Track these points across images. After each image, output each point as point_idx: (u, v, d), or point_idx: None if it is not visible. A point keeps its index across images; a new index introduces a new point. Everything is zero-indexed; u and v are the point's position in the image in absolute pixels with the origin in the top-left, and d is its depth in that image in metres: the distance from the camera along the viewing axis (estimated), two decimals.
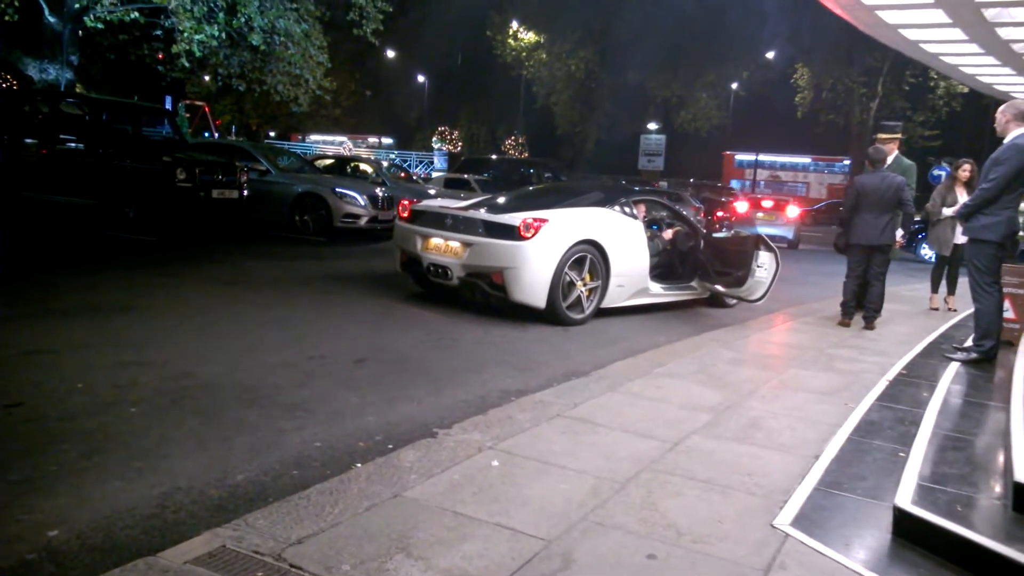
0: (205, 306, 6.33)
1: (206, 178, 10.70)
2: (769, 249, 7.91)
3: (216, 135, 28.84)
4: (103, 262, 8.27)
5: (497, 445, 3.47)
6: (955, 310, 8.80)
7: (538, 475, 3.16)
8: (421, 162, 40.45)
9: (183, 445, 3.33)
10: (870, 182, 7.19)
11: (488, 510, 2.80)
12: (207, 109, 30.69)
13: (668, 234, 8.54)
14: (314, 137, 44.47)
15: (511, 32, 37.92)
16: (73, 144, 10.75)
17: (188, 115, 26.65)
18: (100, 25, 14.77)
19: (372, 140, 47.52)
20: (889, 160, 7.71)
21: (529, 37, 37.52)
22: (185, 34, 15.01)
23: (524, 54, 37.72)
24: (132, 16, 14.94)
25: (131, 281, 7.12)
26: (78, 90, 18.49)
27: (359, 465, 3.20)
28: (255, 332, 5.55)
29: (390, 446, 3.49)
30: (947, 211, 8.26)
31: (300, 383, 4.38)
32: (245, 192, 11.40)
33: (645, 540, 2.67)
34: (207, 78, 27.92)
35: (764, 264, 7.87)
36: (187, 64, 16.24)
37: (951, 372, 5.39)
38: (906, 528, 2.81)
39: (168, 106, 25.35)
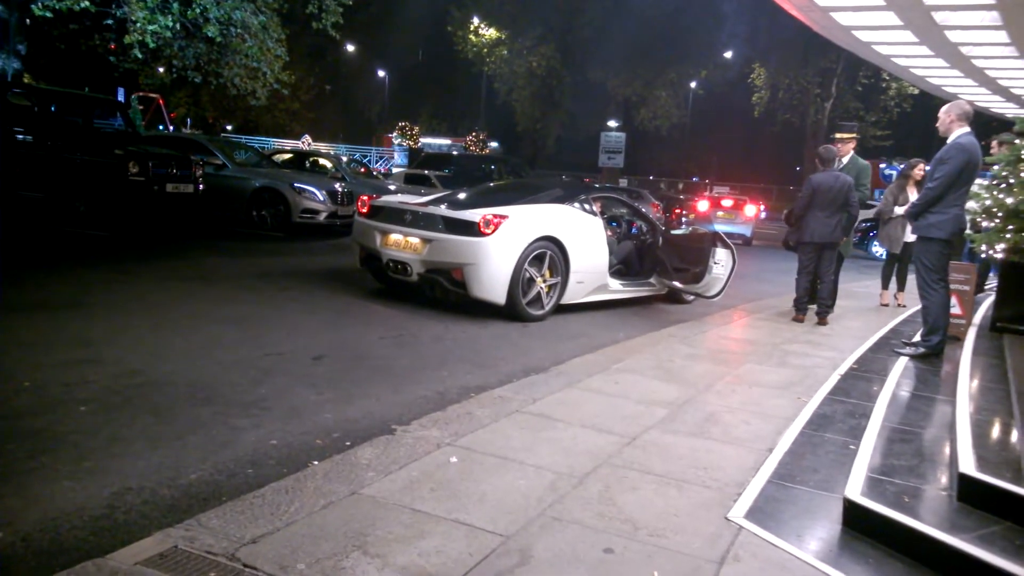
0: (159, 302, 6.21)
1: (160, 172, 10.47)
2: (726, 246, 8.03)
3: (171, 128, 28.23)
4: (52, 258, 8.05)
5: (456, 441, 3.46)
6: (904, 306, 9.03)
7: (497, 471, 3.17)
8: (381, 158, 40.13)
9: (134, 444, 3.26)
10: (824, 181, 7.33)
11: (446, 507, 2.80)
12: (161, 101, 30.01)
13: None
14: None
15: (472, 28, 37.78)
16: (21, 136, 10.43)
17: (142, 108, 26.02)
18: (48, 14, 14.36)
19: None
20: (845, 160, 7.88)
21: (490, 33, 37.42)
22: (138, 24, 14.66)
23: (485, 50, 37.60)
24: (82, 5, 14.55)
25: (82, 277, 6.95)
26: (26, 80, 17.99)
27: (316, 463, 3.17)
28: (211, 329, 5.46)
29: (348, 443, 3.46)
30: (899, 210, 8.46)
31: (257, 380, 4.32)
32: (200, 186, 11.18)
33: (602, 534, 2.69)
34: (161, 70, 27.35)
35: (721, 261, 7.98)
36: (140, 55, 15.86)
37: (900, 367, 5.53)
38: (856, 519, 2.88)
39: (121, 98, 24.78)
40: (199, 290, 6.89)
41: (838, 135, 8.36)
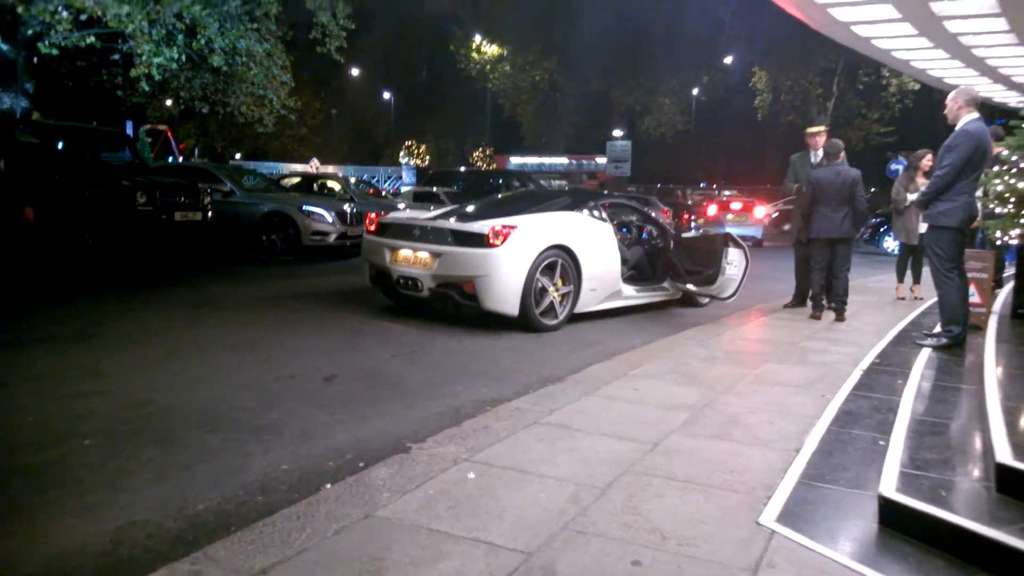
0: (169, 331, 6.16)
1: (168, 201, 10.49)
2: (738, 246, 7.91)
3: (179, 159, 28.44)
4: (61, 292, 8.03)
5: (473, 456, 3.36)
6: (921, 298, 8.87)
7: (516, 485, 3.07)
8: (389, 177, 40.27)
9: (141, 476, 3.18)
10: (824, 176, 7.25)
11: (465, 525, 2.69)
12: (169, 133, 30.30)
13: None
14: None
15: (474, 46, 37.96)
16: (30, 173, 10.46)
17: (150, 140, 26.23)
18: (55, 51, 14.50)
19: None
20: (820, 153, 7.86)
21: (492, 50, 37.58)
22: (144, 57, 14.78)
23: (488, 67, 37.77)
24: (88, 41, 14.68)
25: (90, 310, 6.92)
26: (35, 118, 18.17)
27: (328, 486, 3.08)
28: (221, 355, 5.40)
29: (361, 464, 3.37)
30: (910, 196, 8.35)
31: (267, 404, 4.24)
32: (209, 214, 11.20)
33: (629, 546, 2.58)
34: (169, 102, 27.59)
35: (734, 261, 7.87)
36: (147, 88, 15.99)
37: (923, 358, 5.38)
38: (892, 517, 2.76)
39: (129, 131, 24.98)
40: (209, 317, 6.84)
41: (809, 129, 8.47)
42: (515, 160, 40.68)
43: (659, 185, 27.15)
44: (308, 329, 6.48)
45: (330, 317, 7.06)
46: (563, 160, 41.58)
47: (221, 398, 4.32)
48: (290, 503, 2.88)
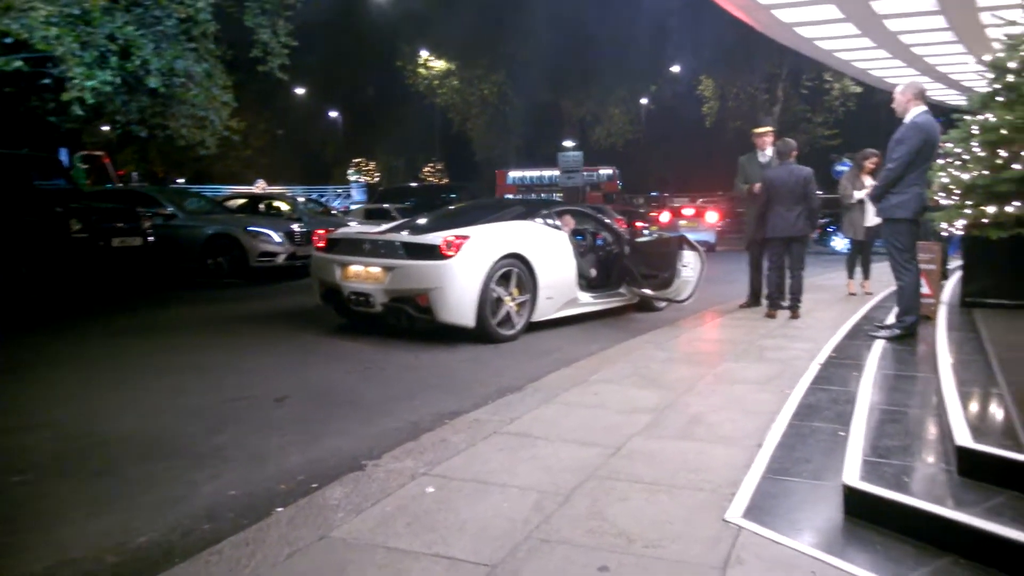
0: (108, 359, 5.91)
1: (105, 227, 10.12)
2: (693, 248, 7.94)
3: (119, 185, 27.70)
4: None
5: (431, 470, 3.25)
6: (871, 293, 9.01)
7: (477, 497, 2.96)
8: (339, 196, 39.85)
9: (77, 511, 2.99)
10: (778, 176, 7.31)
11: (424, 540, 2.58)
12: (107, 159, 29.50)
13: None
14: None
15: (421, 61, 37.85)
16: None
17: (86, 166, 25.46)
18: None
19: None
20: (769, 152, 7.96)
21: (440, 65, 37.51)
22: (76, 81, 14.31)
23: (436, 82, 37.67)
24: (15, 66, 14.18)
25: (25, 341, 6.61)
26: None
27: (280, 509, 2.94)
28: (165, 380, 5.18)
29: (315, 485, 3.23)
30: (858, 194, 8.51)
31: (214, 430, 4.06)
32: (150, 238, 10.85)
33: (595, 552, 2.50)
34: (107, 128, 26.86)
35: (689, 264, 7.88)
36: (81, 112, 15.48)
37: (877, 350, 5.43)
38: (857, 505, 2.73)
39: (64, 158, 24.24)
40: (151, 343, 6.60)
41: (756, 130, 8.56)
42: (514, 174, 40.47)
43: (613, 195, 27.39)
44: (257, 350, 6.28)
45: (280, 337, 6.87)
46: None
47: (165, 426, 4.13)
48: (239, 529, 2.74)
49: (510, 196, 33.18)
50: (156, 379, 5.22)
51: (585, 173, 39.48)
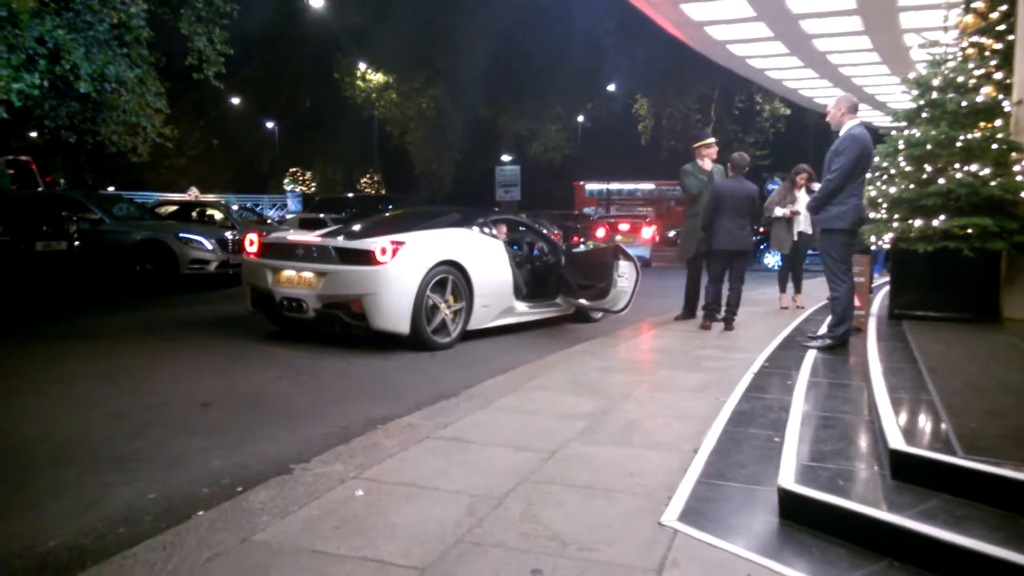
0: (21, 364, 5.59)
1: (28, 230, 9.68)
2: (628, 258, 7.98)
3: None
4: None
5: (362, 474, 3.14)
6: (802, 307, 9.21)
7: (408, 500, 2.87)
8: (275, 205, 39.11)
9: None
10: (727, 187, 7.35)
11: (352, 544, 2.48)
12: (33, 166, 28.33)
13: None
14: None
15: (359, 74, 37.54)
16: None
17: (12, 172, 24.41)
18: None
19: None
20: (708, 164, 8.11)
21: (378, 78, 37.26)
22: (1, 83, 13.71)
23: (374, 95, 37.40)
24: None
25: None
26: None
27: (201, 513, 2.79)
28: (82, 385, 4.93)
29: (239, 489, 3.08)
30: (778, 211, 8.76)
31: (133, 434, 3.86)
32: (76, 243, 10.41)
33: (528, 555, 2.43)
34: (34, 134, 25.78)
35: (625, 274, 7.92)
36: (6, 116, 14.84)
37: (809, 360, 5.51)
38: (792, 508, 2.72)
39: None
40: (71, 347, 6.28)
41: (699, 143, 8.56)
42: (592, 186, 39.77)
43: (554, 212, 27.48)
44: (183, 356, 6.04)
45: (208, 344, 6.63)
46: (650, 186, 41.33)
47: (79, 430, 3.91)
48: (157, 533, 2.59)
49: (589, 209, 33.05)
50: (72, 384, 4.96)
51: (667, 188, 38.95)
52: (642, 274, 8.16)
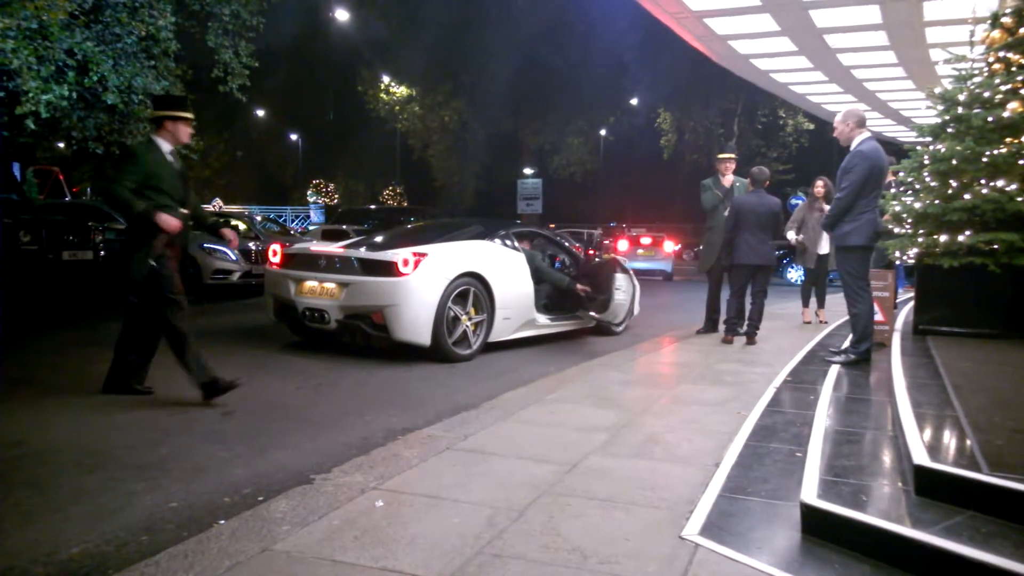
0: (49, 371, 5.68)
1: (55, 239, 9.86)
2: (624, 271, 7.97)
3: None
4: None
5: (382, 485, 3.15)
6: (826, 322, 9.13)
7: (428, 511, 2.87)
8: (297, 217, 39.46)
9: (4, 523, 2.82)
10: (748, 202, 7.33)
11: (372, 555, 2.48)
12: (60, 176, 28.81)
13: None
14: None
15: (383, 87, 37.88)
16: None
17: (39, 181, 24.85)
18: None
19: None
20: (730, 178, 8.07)
21: (401, 91, 37.56)
22: (30, 95, 13.98)
23: (397, 108, 37.70)
24: None
25: None
26: None
27: (222, 522, 2.81)
28: (107, 394, 4.98)
29: (260, 498, 3.10)
30: (790, 236, 8.75)
31: (157, 441, 3.90)
32: (102, 252, 10.57)
33: (548, 568, 2.42)
34: (62, 145, 26.22)
35: (621, 287, 7.91)
36: (34, 127, 15.11)
37: (832, 375, 5.47)
38: (814, 524, 2.69)
39: (16, 172, 23.60)
40: (96, 355, 6.32)
41: (720, 155, 8.65)
42: None
43: (575, 228, 27.44)
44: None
45: (230, 353, 6.67)
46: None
47: (104, 437, 3.95)
48: (178, 541, 2.60)
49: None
50: (96, 391, 5.01)
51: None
52: (663, 288, 8.14)
